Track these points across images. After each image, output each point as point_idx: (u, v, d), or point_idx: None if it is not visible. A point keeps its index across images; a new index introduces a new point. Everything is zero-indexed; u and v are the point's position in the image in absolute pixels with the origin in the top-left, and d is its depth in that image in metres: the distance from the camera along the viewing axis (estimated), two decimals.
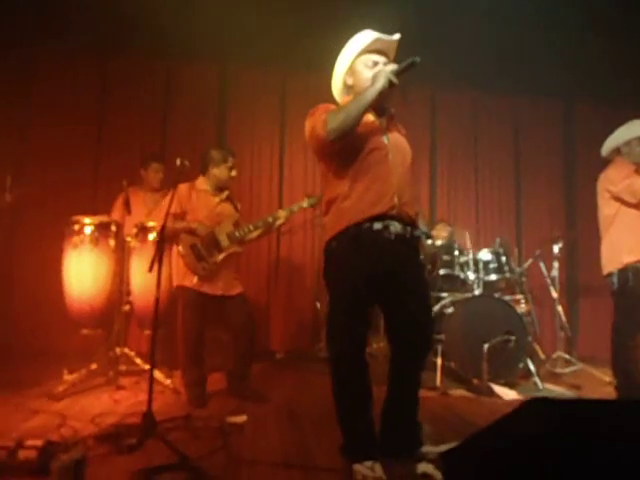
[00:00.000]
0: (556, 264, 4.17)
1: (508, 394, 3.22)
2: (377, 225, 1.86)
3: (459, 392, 3.29)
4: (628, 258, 2.90)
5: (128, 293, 3.18)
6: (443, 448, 1.99)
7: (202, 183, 3.04)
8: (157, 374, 3.17)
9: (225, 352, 3.87)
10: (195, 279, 2.86)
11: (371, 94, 1.81)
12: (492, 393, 3.23)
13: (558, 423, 1.04)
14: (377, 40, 1.97)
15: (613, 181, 2.96)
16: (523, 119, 5.39)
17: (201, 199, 3.00)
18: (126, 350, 3.18)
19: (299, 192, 4.80)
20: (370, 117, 1.97)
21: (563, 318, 4.21)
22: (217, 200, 3.05)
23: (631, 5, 3.77)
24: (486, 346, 3.32)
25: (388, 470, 1.80)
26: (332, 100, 4.33)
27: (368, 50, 1.99)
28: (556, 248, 4.13)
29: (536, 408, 1.12)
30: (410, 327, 1.94)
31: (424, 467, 1.84)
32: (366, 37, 1.98)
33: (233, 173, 3.07)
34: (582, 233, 4.94)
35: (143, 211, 3.66)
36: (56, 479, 1.53)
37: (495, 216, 5.20)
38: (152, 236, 3.16)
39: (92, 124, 4.51)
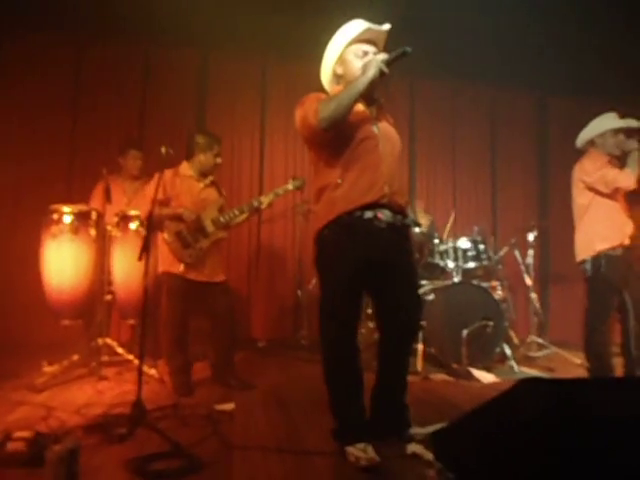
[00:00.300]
0: (531, 252, 4.31)
1: (486, 377, 3.34)
2: (368, 214, 1.90)
3: (440, 376, 3.38)
4: (601, 246, 3.00)
5: (110, 283, 3.13)
6: (430, 429, 2.06)
7: (186, 169, 3.01)
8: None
9: (206, 341, 3.89)
10: (182, 267, 2.84)
11: (362, 83, 1.82)
12: (471, 377, 3.34)
13: (552, 403, 1.10)
14: (367, 30, 1.98)
15: (588, 172, 3.06)
16: (500, 110, 5.50)
17: (185, 185, 2.98)
18: (108, 340, 3.14)
19: (280, 179, 4.81)
20: (360, 107, 1.99)
21: (537, 304, 4.37)
22: (201, 185, 3.03)
23: (605, 5, 3.88)
24: (465, 332, 3.43)
25: (379, 451, 1.85)
26: (314, 88, 4.33)
27: (358, 40, 1.99)
28: (531, 236, 4.27)
29: (529, 388, 1.18)
30: (398, 312, 2.00)
31: (414, 447, 1.90)
32: (357, 27, 1.98)
33: (218, 160, 3.05)
34: (554, 222, 5.11)
35: (123, 200, 3.60)
36: (51, 469, 1.52)
37: (472, 205, 5.32)
38: (134, 225, 3.11)
39: (67, 112, 4.37)
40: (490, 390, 3.14)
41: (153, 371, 3.08)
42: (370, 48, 2.00)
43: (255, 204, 3.04)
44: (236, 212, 3.01)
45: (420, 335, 3.54)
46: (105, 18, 4.04)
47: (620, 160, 3.09)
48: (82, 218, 2.98)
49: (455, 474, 1.39)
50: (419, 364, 3.45)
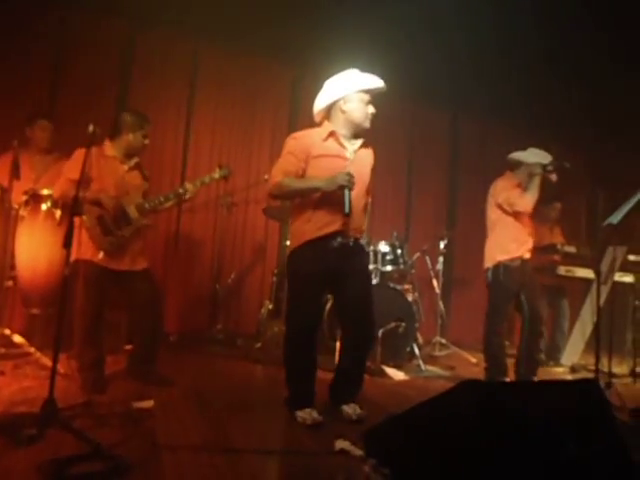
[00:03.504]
0: (441, 259, 4.65)
1: (397, 375, 3.55)
2: (327, 237, 2.36)
3: None
4: (501, 257, 3.36)
5: (12, 267, 2.82)
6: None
7: (109, 149, 2.80)
8: (42, 358, 2.89)
9: (116, 333, 3.66)
10: (101, 254, 2.64)
11: (316, 185, 2.30)
12: (384, 374, 3.53)
13: (488, 404, 1.23)
14: (379, 89, 2.43)
15: (497, 191, 3.41)
16: (417, 125, 5.81)
17: (108, 166, 2.77)
18: (6, 331, 2.83)
19: (204, 167, 4.65)
20: (342, 150, 2.42)
21: (442, 307, 4.73)
22: (125, 168, 2.84)
23: (509, 31, 4.28)
24: (381, 331, 3.61)
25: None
26: (244, 76, 4.28)
27: (367, 90, 2.41)
28: (442, 244, 4.61)
29: (467, 390, 1.29)
30: (351, 309, 2.45)
31: (342, 444, 1.96)
32: (373, 81, 2.41)
33: (146, 141, 2.89)
34: (459, 233, 5.56)
35: (31, 176, 3.25)
36: None
37: (388, 212, 5.57)
38: (45, 206, 2.84)
39: None
40: (401, 387, 3.36)
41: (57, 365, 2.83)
42: (369, 98, 2.43)
43: (181, 191, 2.94)
44: (161, 199, 2.89)
45: (338, 333, 3.65)
46: None
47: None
48: None
49: (390, 469, 1.48)
50: (336, 361, 3.55)
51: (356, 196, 2.34)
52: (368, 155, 2.55)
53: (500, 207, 3.40)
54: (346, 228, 2.36)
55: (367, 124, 2.43)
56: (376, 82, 2.42)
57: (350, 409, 2.39)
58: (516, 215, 3.35)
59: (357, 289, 2.42)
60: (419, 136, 5.83)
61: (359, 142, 2.49)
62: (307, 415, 2.27)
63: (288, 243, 3.36)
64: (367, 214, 2.66)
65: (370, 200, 2.68)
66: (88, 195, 2.64)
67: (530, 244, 3.38)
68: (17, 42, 3.94)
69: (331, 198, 2.31)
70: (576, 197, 5.55)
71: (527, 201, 3.29)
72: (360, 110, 2.40)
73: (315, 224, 2.35)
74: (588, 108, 5.12)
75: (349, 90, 2.39)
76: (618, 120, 5.15)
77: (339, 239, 2.35)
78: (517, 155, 3.46)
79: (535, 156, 3.40)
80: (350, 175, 2.25)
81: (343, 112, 2.41)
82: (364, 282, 2.50)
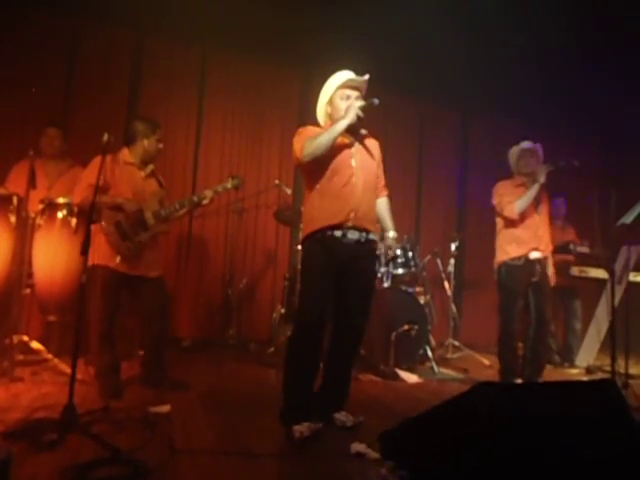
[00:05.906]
0: (452, 261, 4.63)
1: (411, 378, 3.54)
2: (337, 233, 2.32)
3: (368, 377, 3.53)
4: (502, 257, 3.43)
5: (29, 275, 2.87)
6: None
7: (127, 156, 2.85)
8: (59, 364, 2.94)
9: (130, 339, 3.70)
10: (118, 259, 2.68)
11: (341, 126, 2.27)
12: (397, 377, 3.53)
13: (504, 405, 1.23)
14: (350, 80, 2.43)
15: (495, 193, 3.48)
16: (427, 127, 5.82)
17: (125, 173, 2.81)
18: (24, 338, 2.87)
19: (215, 174, 4.70)
20: (345, 140, 2.38)
21: (454, 309, 4.71)
22: (142, 175, 2.89)
23: (519, 28, 4.28)
24: (393, 334, 3.61)
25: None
26: (254, 80, 4.29)
27: (345, 85, 2.43)
28: (453, 246, 4.59)
29: (483, 392, 1.30)
30: (350, 309, 2.41)
31: (358, 447, 1.97)
32: (343, 75, 2.44)
33: (161, 145, 2.94)
34: (469, 234, 5.54)
35: (44, 183, 3.30)
36: None
37: (398, 214, 5.53)
38: (61, 214, 2.88)
39: None
40: (414, 390, 3.35)
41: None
42: (353, 92, 2.43)
43: (195, 199, 2.98)
44: (177, 206, 2.93)
45: None
46: None
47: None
48: (1, 203, 2.71)
49: (408, 472, 1.48)
50: None
51: (365, 186, 2.36)
52: (372, 144, 2.55)
53: (495, 209, 3.46)
54: (354, 219, 2.31)
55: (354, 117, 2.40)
56: (347, 75, 2.44)
57: (343, 416, 2.34)
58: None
59: (357, 293, 2.39)
60: (429, 137, 5.82)
61: (362, 133, 2.52)
62: (305, 428, 2.13)
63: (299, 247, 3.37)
64: (387, 208, 2.61)
65: (388, 192, 2.64)
66: (107, 200, 2.68)
67: (536, 243, 3.34)
68: (31, 54, 4.03)
69: (340, 187, 2.33)
70: (589, 195, 5.50)
71: (513, 207, 3.32)
72: (341, 107, 2.41)
73: (321, 214, 2.34)
74: (602, 106, 5.08)
75: (328, 93, 2.48)
76: (633, 116, 5.10)
77: (350, 234, 2.32)
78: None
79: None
80: (359, 102, 2.32)
81: (331, 115, 2.51)
82: (367, 285, 2.46)
